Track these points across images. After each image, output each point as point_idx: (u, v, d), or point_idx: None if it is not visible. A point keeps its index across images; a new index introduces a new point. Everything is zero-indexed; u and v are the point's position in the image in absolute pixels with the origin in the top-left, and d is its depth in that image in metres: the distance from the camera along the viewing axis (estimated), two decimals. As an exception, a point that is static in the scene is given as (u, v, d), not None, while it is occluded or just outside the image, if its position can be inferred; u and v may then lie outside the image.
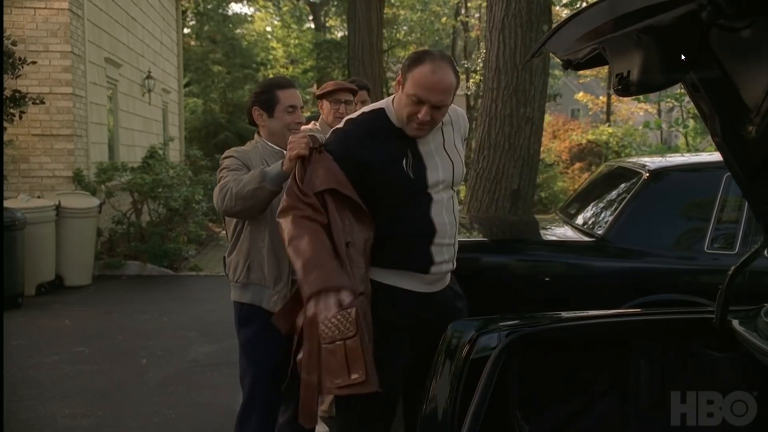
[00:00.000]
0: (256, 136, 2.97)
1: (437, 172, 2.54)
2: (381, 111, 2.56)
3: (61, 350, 5.50)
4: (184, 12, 17.99)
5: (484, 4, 9.96)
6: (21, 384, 4.68)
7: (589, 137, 16.88)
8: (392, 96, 2.60)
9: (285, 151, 2.83)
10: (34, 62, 7.67)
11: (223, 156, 2.90)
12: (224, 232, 3.12)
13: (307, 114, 4.61)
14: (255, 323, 2.88)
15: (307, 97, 18.91)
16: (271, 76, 21.99)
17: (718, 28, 1.60)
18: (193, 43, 20.58)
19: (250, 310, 2.88)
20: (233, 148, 2.96)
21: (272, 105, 2.86)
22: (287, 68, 22.99)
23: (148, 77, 12.19)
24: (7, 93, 7.04)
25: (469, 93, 20.76)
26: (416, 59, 2.47)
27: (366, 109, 2.66)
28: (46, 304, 7.05)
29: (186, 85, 17.97)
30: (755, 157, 1.91)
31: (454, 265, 2.67)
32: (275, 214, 2.72)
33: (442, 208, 2.55)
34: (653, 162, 4.26)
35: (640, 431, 2.22)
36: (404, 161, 2.49)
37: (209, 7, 20.51)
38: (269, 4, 25.66)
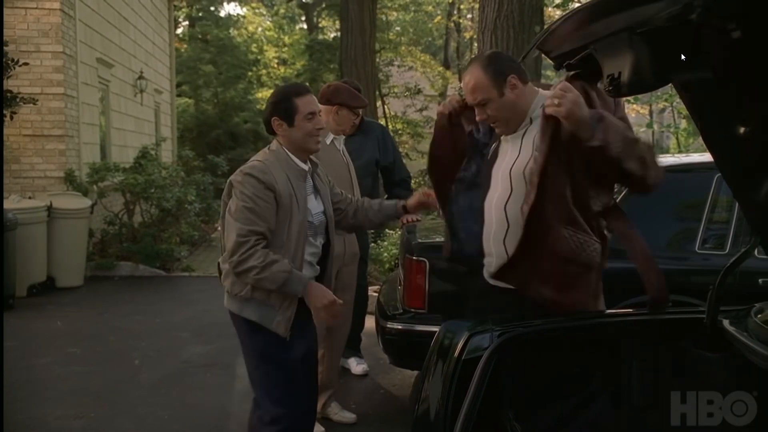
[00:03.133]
0: (275, 143, 2.82)
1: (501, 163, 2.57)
2: None
3: (54, 352, 5.49)
4: (176, 20, 17.93)
5: (477, 5, 9.97)
6: (13, 385, 4.64)
7: None
8: None
9: (304, 167, 2.78)
10: (26, 63, 7.63)
11: (245, 172, 2.67)
12: (216, 233, 3.07)
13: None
14: (268, 332, 2.72)
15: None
16: (263, 75, 21.92)
17: (709, 28, 1.62)
18: (185, 46, 20.52)
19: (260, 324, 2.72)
20: (253, 165, 2.72)
21: (291, 114, 2.73)
22: (279, 69, 22.93)
23: (140, 78, 12.15)
24: (-1, 93, 7.01)
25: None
26: None
27: None
28: (37, 305, 7.02)
29: (178, 86, 17.91)
30: (745, 158, 1.92)
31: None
32: (290, 236, 2.67)
33: (492, 202, 2.54)
34: (645, 162, 4.27)
35: (632, 431, 2.23)
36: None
37: (200, 14, 20.43)
38: (260, 4, 25.60)
